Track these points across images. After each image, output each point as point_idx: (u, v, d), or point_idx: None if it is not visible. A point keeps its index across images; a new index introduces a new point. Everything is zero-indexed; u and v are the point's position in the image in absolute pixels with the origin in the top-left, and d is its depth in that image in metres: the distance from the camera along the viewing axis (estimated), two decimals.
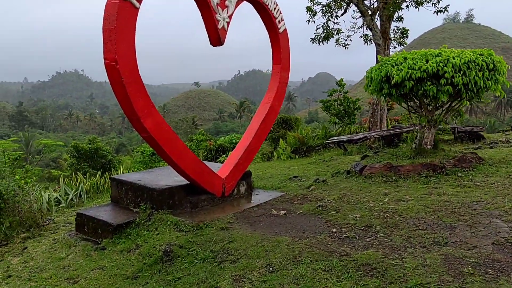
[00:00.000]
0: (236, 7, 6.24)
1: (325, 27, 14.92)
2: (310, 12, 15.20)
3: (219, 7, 5.87)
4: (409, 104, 7.42)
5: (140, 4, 4.70)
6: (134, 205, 5.82)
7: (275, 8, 7.03)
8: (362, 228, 4.70)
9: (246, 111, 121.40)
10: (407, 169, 6.70)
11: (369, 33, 16.66)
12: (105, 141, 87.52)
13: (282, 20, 7.21)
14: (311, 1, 15.34)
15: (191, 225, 5.07)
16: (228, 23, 6.09)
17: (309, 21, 15.27)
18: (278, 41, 7.17)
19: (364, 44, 16.92)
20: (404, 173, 6.67)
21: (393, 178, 6.61)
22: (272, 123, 7.32)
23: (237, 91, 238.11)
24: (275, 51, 7.25)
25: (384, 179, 6.67)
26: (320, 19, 15.29)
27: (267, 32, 7.20)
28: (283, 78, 7.28)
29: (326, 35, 15.45)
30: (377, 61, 13.12)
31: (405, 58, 6.74)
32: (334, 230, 4.73)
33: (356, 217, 5.05)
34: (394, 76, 6.59)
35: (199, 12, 5.86)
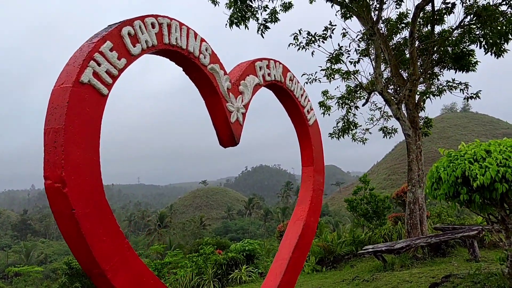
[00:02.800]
0: (253, 93, 4.59)
1: (345, 119, 13.52)
2: (323, 107, 13.94)
3: (230, 93, 4.22)
4: (493, 214, 5.39)
5: (109, 90, 3.00)
6: None
7: (302, 95, 5.41)
8: None
9: (255, 208, 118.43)
10: None
11: (388, 124, 15.27)
12: None
13: (312, 109, 5.56)
14: (324, 94, 14.17)
15: None
16: (244, 114, 4.39)
17: (324, 113, 13.94)
18: (308, 136, 5.44)
19: (383, 137, 15.44)
20: None
21: None
22: (308, 249, 5.26)
23: (245, 188, 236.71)
24: (305, 149, 5.47)
25: None
26: (336, 112, 13.96)
27: (293, 125, 5.50)
28: (317, 184, 5.40)
29: (345, 128, 14.01)
30: (408, 151, 11.61)
31: (488, 152, 4.89)
32: None
33: None
34: (478, 176, 4.68)
35: (204, 103, 4.20)
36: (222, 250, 21.08)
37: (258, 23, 12.33)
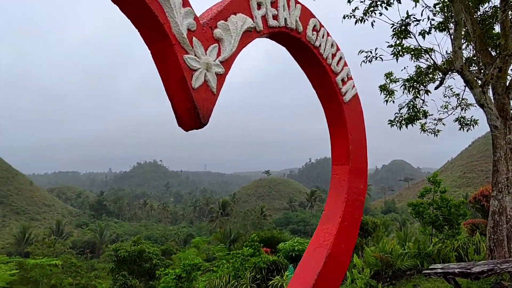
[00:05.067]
0: (242, 44, 2.81)
1: (411, 105, 11.17)
2: (385, 92, 11.65)
3: (194, 38, 2.49)
4: None
5: None
6: None
7: (333, 55, 3.54)
8: None
9: (317, 201, 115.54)
10: None
11: (467, 114, 12.60)
12: (174, 231, 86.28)
13: (350, 78, 3.67)
14: (387, 77, 11.84)
15: None
16: (219, 76, 2.63)
17: (387, 101, 11.67)
18: (343, 119, 3.57)
19: (460, 129, 12.78)
20: None
21: None
22: None
23: (308, 180, 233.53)
24: (337, 139, 3.62)
25: None
26: (402, 98, 11.61)
27: (319, 100, 3.65)
28: (354, 192, 3.53)
29: (412, 116, 11.63)
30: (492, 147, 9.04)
31: None
32: None
33: None
34: None
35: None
36: (270, 248, 19.54)
37: None
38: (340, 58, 3.59)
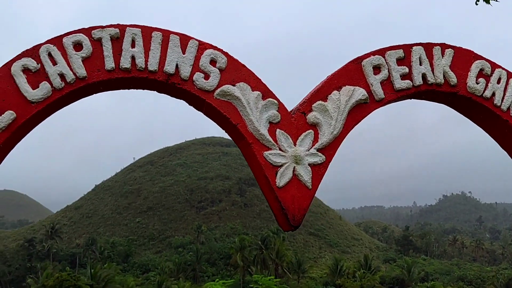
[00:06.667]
0: (351, 122, 2.32)
1: None
2: None
3: (278, 130, 2.24)
4: None
5: None
6: None
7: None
8: None
9: None
10: None
11: None
12: (492, 273, 75.26)
13: None
14: None
15: None
16: (318, 167, 2.24)
17: None
18: None
19: None
20: None
21: None
22: None
23: None
24: None
25: None
26: None
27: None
28: None
29: None
30: None
31: None
32: None
33: None
34: None
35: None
36: None
37: None
38: None
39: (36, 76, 2.11)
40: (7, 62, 2.10)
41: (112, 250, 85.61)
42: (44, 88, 2.10)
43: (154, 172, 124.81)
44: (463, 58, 2.50)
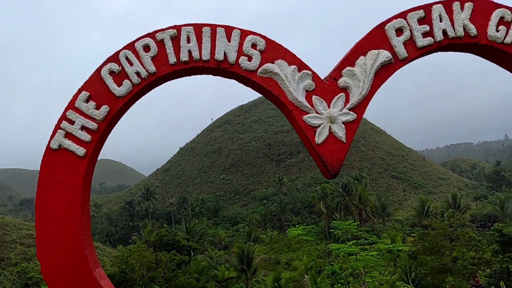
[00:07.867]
0: (378, 82, 2.66)
1: None
2: None
3: (314, 97, 2.67)
4: None
5: (90, 148, 2.71)
6: None
7: None
8: None
9: None
10: None
11: None
12: None
13: None
14: None
15: None
16: (349, 124, 2.65)
17: None
18: None
19: None
20: None
21: None
22: None
23: None
24: None
25: None
26: None
27: None
28: None
29: None
30: None
31: None
32: None
33: None
34: None
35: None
36: None
37: None
38: None
39: (119, 76, 2.74)
40: (97, 69, 2.76)
41: (202, 206, 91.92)
42: (126, 85, 2.73)
43: (232, 131, 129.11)
44: (483, 9, 2.64)
